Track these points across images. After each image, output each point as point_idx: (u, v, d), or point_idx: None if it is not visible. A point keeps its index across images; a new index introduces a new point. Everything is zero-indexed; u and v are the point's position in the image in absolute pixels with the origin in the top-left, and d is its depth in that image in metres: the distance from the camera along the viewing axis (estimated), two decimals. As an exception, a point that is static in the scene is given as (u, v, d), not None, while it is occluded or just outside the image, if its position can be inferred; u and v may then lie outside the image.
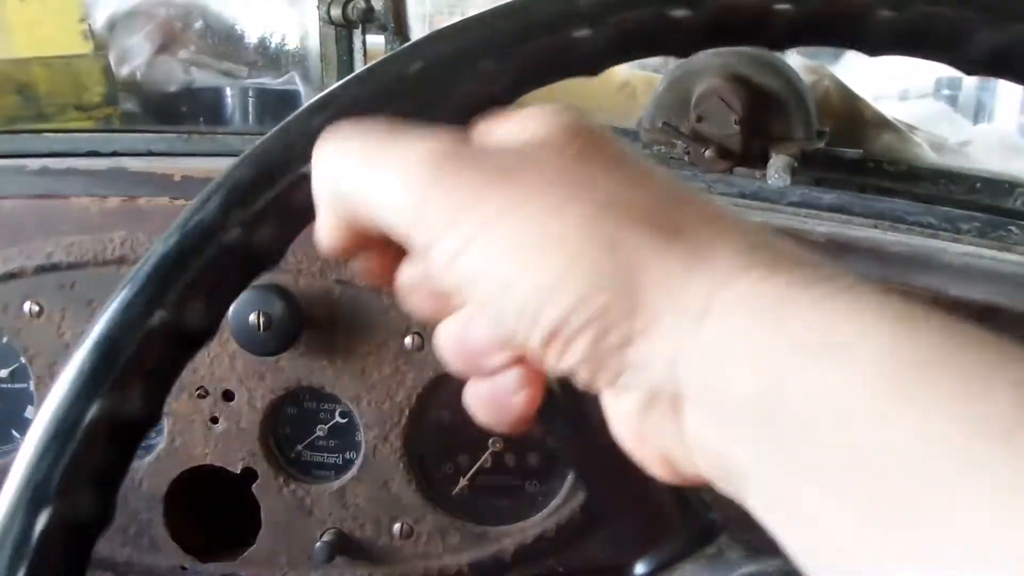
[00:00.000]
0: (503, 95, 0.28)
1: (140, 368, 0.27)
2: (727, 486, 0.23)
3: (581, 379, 0.25)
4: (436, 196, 0.24)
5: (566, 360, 0.24)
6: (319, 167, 0.27)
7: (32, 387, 0.63)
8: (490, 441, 0.60)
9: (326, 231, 0.28)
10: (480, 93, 0.28)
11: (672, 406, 0.23)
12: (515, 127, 0.27)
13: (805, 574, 0.21)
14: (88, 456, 0.27)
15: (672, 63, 0.75)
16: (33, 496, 0.27)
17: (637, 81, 0.86)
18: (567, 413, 0.30)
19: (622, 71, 0.89)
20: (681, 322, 0.22)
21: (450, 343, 0.29)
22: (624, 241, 0.23)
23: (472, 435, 0.60)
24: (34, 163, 0.63)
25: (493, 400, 0.28)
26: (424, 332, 0.57)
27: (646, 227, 0.23)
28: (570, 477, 0.59)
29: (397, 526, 0.60)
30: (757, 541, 0.30)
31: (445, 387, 0.59)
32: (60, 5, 0.90)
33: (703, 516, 0.30)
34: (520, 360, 0.27)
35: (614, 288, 0.23)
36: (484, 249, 0.24)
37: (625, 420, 0.25)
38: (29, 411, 0.64)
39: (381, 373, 0.58)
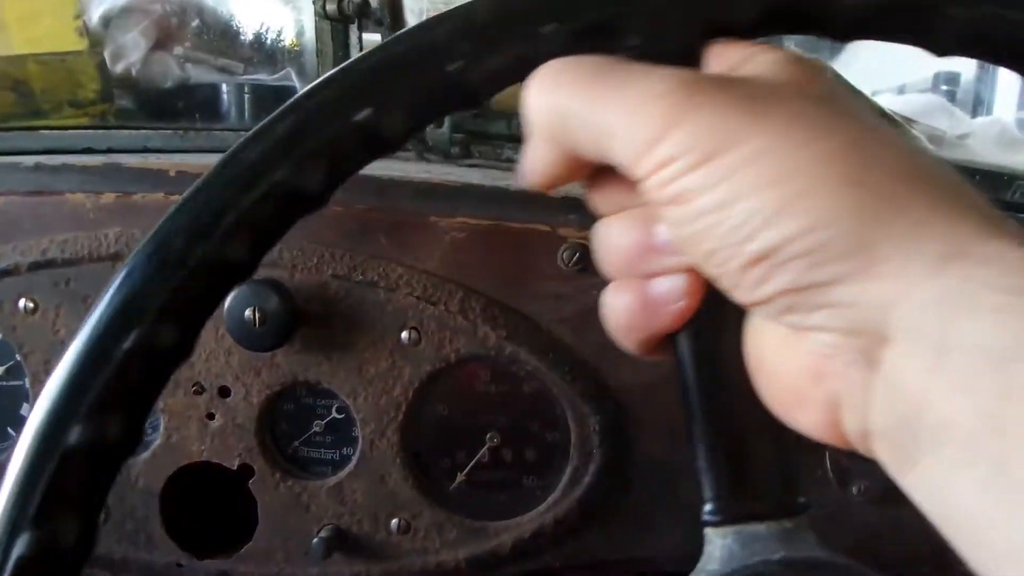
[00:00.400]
0: (743, 28, 0.28)
1: (250, 221, 0.28)
2: (899, 443, 0.23)
3: (768, 310, 0.25)
4: (681, 125, 0.24)
5: (764, 288, 0.25)
6: (540, 98, 0.27)
7: (27, 384, 0.63)
8: (487, 436, 0.60)
9: (539, 161, 0.29)
10: (725, 17, 0.28)
11: (869, 349, 0.23)
12: (755, 63, 0.27)
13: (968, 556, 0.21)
14: (194, 291, 0.28)
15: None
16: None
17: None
18: (702, 345, 0.30)
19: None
20: (913, 266, 0.22)
21: (621, 239, 0.29)
22: (867, 180, 0.23)
23: (469, 430, 0.60)
24: (28, 160, 0.63)
25: (644, 306, 0.29)
26: (420, 327, 0.57)
27: (890, 170, 0.24)
28: (568, 471, 0.59)
29: (394, 521, 0.60)
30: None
31: (442, 382, 0.59)
32: (55, 2, 0.89)
33: (793, 492, 0.30)
34: (688, 269, 0.28)
35: (843, 224, 0.23)
36: (717, 169, 0.24)
37: (802, 359, 0.26)
38: (24, 408, 0.64)
39: (378, 368, 0.58)
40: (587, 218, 0.57)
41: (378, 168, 0.61)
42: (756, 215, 0.24)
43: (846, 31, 0.29)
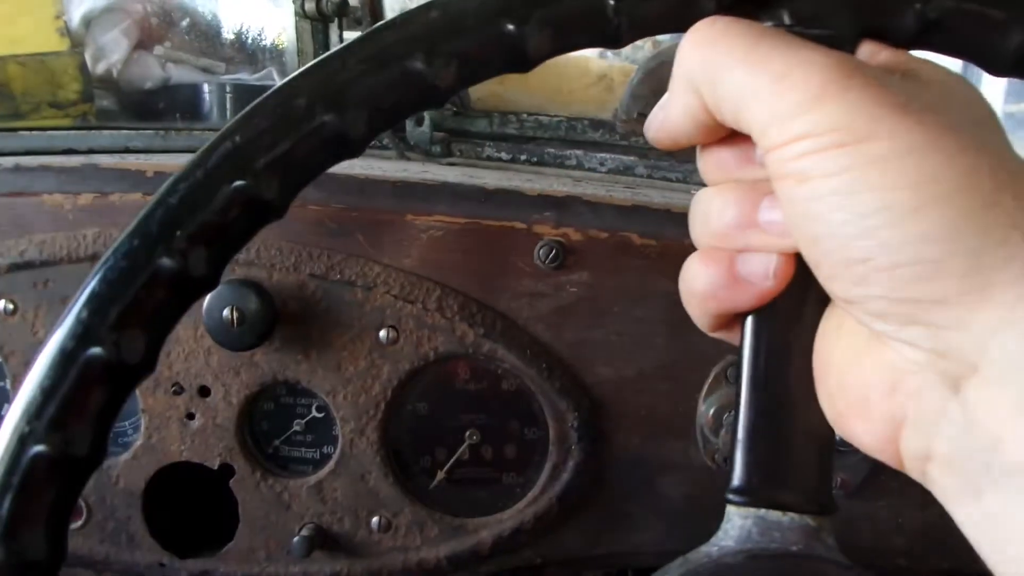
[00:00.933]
0: (898, 36, 0.28)
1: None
2: (965, 473, 0.23)
3: (858, 311, 0.25)
4: (831, 101, 0.24)
5: (863, 288, 0.24)
6: (695, 50, 0.27)
7: (8, 386, 0.63)
8: (467, 433, 0.60)
9: (672, 114, 0.29)
10: (885, 21, 0.28)
11: (954, 374, 0.23)
12: (913, 70, 0.27)
13: None
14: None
15: (648, 54, 0.75)
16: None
17: (615, 73, 0.86)
18: (773, 331, 0.30)
19: (600, 64, 0.89)
20: None
21: (723, 209, 0.29)
22: (1002, 204, 0.23)
23: (448, 428, 0.60)
24: (7, 161, 0.63)
25: (729, 279, 0.29)
26: (398, 325, 0.58)
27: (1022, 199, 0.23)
28: (547, 468, 0.60)
29: (375, 519, 0.60)
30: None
31: (421, 380, 0.60)
32: (35, 2, 0.89)
33: (824, 493, 0.30)
34: (781, 251, 0.28)
35: (968, 241, 0.22)
36: (855, 155, 0.23)
37: (877, 369, 0.25)
38: (6, 409, 0.64)
39: (356, 367, 0.58)
40: (563, 216, 0.58)
41: (356, 167, 0.62)
42: (882, 211, 0.23)
43: (1003, 67, 0.28)
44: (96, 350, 0.27)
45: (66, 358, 0.27)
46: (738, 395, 0.31)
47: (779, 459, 0.30)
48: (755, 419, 0.30)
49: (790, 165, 0.25)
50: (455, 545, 0.60)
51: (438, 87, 0.28)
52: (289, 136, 0.28)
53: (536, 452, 0.60)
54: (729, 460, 0.31)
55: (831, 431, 0.29)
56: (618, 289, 0.57)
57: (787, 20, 0.28)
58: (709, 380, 0.58)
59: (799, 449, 0.30)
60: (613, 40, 0.28)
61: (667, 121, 0.29)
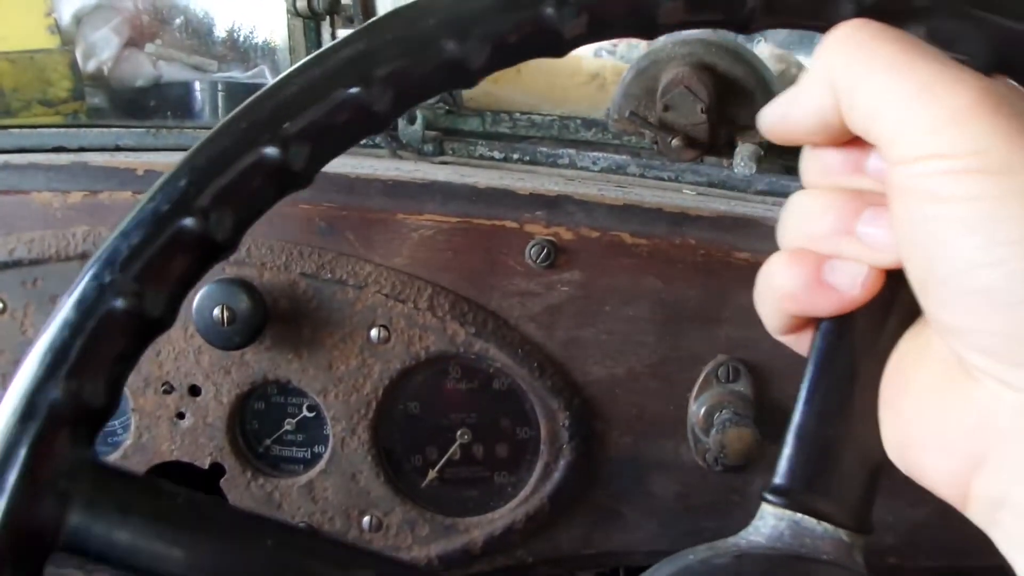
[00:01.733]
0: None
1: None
2: None
3: (959, 341, 0.24)
4: (978, 121, 0.23)
5: (974, 319, 0.23)
6: (837, 51, 0.26)
7: (-3, 385, 0.62)
8: (458, 433, 0.60)
9: (798, 107, 0.28)
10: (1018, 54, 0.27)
11: None
12: None
13: None
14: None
15: (639, 52, 0.75)
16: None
17: (607, 72, 0.86)
18: (848, 343, 0.29)
19: (592, 63, 0.89)
20: None
21: (822, 214, 0.28)
22: None
23: (440, 427, 0.60)
24: (-4, 159, 0.62)
25: (814, 283, 0.28)
26: (389, 324, 0.57)
27: None
28: (538, 467, 0.59)
29: (366, 519, 0.60)
30: None
31: (412, 380, 0.59)
32: (24, -1, 0.89)
33: (865, 513, 0.30)
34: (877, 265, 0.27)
35: None
36: (996, 183, 0.23)
37: (967, 404, 0.24)
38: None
39: (347, 366, 0.58)
40: (554, 215, 0.57)
41: (347, 165, 0.61)
42: (1016, 244, 0.22)
43: None
44: (188, 220, 0.28)
45: (159, 220, 0.28)
46: (798, 396, 0.30)
47: (827, 470, 0.29)
48: (810, 424, 0.30)
49: (920, 182, 0.24)
50: (446, 544, 0.60)
51: (563, 37, 0.28)
52: (411, 53, 0.27)
53: (527, 451, 0.60)
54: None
55: (883, 451, 0.29)
56: (609, 288, 0.57)
57: (920, 32, 0.27)
58: (700, 380, 0.58)
59: (849, 463, 0.29)
60: (743, 23, 0.28)
61: (789, 115, 0.28)
